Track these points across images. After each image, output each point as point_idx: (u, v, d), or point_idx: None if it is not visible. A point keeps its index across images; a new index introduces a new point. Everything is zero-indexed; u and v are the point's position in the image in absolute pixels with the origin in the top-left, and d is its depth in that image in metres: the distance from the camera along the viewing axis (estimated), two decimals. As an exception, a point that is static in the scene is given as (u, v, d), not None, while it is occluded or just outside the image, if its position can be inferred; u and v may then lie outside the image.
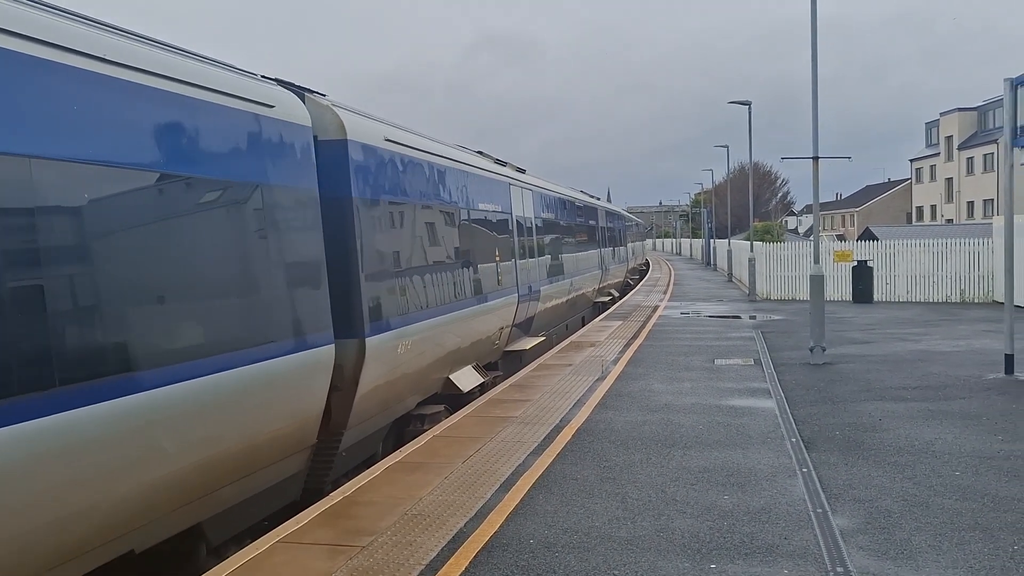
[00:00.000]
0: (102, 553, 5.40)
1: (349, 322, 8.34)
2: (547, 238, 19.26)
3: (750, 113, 34.23)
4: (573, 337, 18.28)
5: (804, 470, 7.63)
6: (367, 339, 8.54)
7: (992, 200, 59.75)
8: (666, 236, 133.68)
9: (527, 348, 15.72)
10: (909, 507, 6.57)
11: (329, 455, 8.45)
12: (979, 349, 15.14)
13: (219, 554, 6.69)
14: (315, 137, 8.06)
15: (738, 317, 22.44)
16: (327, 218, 8.06)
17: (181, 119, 6.16)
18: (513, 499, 6.90)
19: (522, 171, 18.71)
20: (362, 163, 8.87)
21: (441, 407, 11.24)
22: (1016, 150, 11.94)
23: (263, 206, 7.08)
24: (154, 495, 5.79)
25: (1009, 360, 12.30)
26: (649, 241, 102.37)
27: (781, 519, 6.32)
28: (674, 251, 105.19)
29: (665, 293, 32.33)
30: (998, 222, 24.91)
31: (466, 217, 12.70)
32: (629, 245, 44.36)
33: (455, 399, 11.58)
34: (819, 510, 6.52)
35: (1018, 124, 11.77)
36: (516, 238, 15.83)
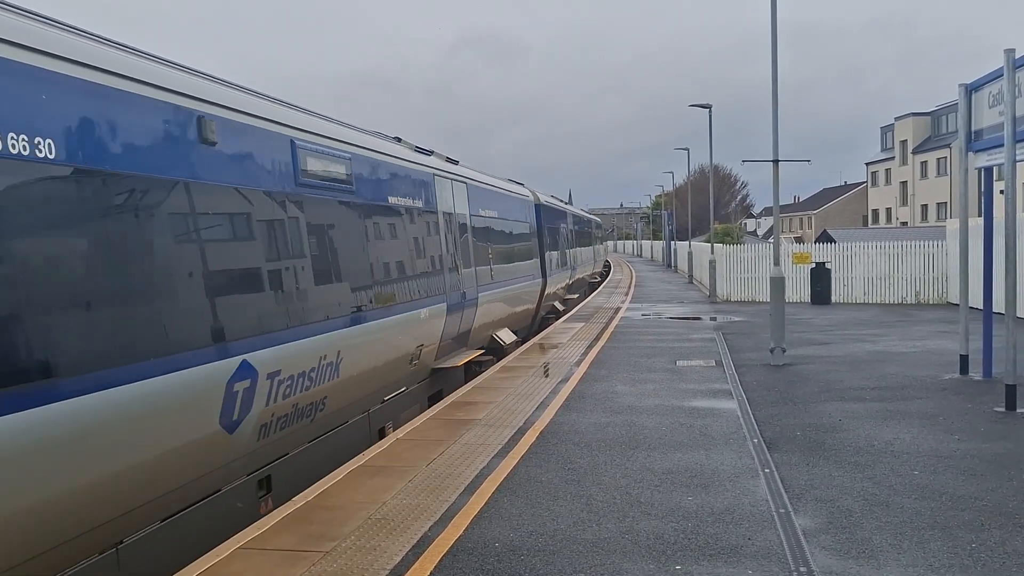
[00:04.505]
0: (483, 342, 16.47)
1: (541, 271, 22.22)
2: (575, 238, 34.28)
3: (710, 117, 35.00)
4: (536, 339, 18.34)
5: (766, 470, 7.69)
6: (547, 279, 22.78)
7: (945, 203, 60.94)
8: (627, 238, 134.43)
9: (573, 296, 30.88)
10: (870, 506, 6.64)
11: (534, 321, 22.05)
12: (935, 350, 15.41)
13: (513, 349, 16.89)
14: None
15: (699, 319, 22.64)
16: (537, 234, 22.57)
17: (514, 204, 20.27)
18: (478, 502, 6.85)
19: (562, 200, 35.27)
20: (542, 213, 23.71)
21: (553, 315, 25.09)
22: (970, 154, 12.13)
23: (530, 231, 21.85)
24: (503, 325, 17.67)
25: (964, 360, 12.51)
26: (610, 242, 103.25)
27: (745, 520, 6.36)
28: (635, 253, 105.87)
29: (627, 295, 32.50)
30: (952, 225, 25.41)
31: (553, 230, 26.36)
32: (603, 244, 65.07)
33: (556, 314, 25.60)
34: (782, 510, 6.57)
35: (972, 129, 11.96)
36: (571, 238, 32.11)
